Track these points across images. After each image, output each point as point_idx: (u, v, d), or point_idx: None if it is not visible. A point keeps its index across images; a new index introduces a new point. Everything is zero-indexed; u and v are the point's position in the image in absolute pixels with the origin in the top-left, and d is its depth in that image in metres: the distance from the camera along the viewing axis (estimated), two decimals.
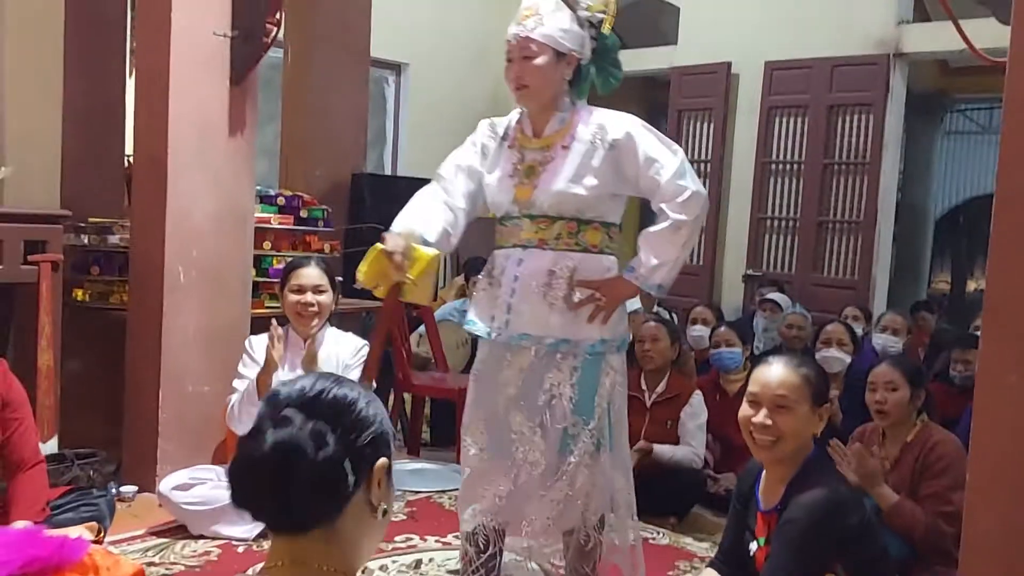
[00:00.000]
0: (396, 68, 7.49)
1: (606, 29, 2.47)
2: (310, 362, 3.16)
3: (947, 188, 11.13)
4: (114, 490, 3.27)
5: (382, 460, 1.20)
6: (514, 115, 2.56)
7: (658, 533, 3.45)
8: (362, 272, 2.36)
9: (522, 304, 2.47)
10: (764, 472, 2.14)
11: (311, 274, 3.25)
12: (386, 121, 7.69)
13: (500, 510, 2.52)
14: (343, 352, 3.34)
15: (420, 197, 2.55)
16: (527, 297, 2.46)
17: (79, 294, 3.87)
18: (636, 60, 7.72)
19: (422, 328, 5.19)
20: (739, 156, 7.10)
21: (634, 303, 5.23)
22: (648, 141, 2.41)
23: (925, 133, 8.78)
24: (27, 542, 2.03)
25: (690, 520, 3.70)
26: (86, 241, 3.90)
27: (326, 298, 3.27)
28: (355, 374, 3.29)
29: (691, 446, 3.79)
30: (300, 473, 1.12)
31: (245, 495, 1.16)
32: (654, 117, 8.88)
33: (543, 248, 2.45)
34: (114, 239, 3.87)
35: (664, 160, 2.39)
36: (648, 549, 3.28)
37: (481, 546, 2.53)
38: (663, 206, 2.40)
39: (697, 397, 3.88)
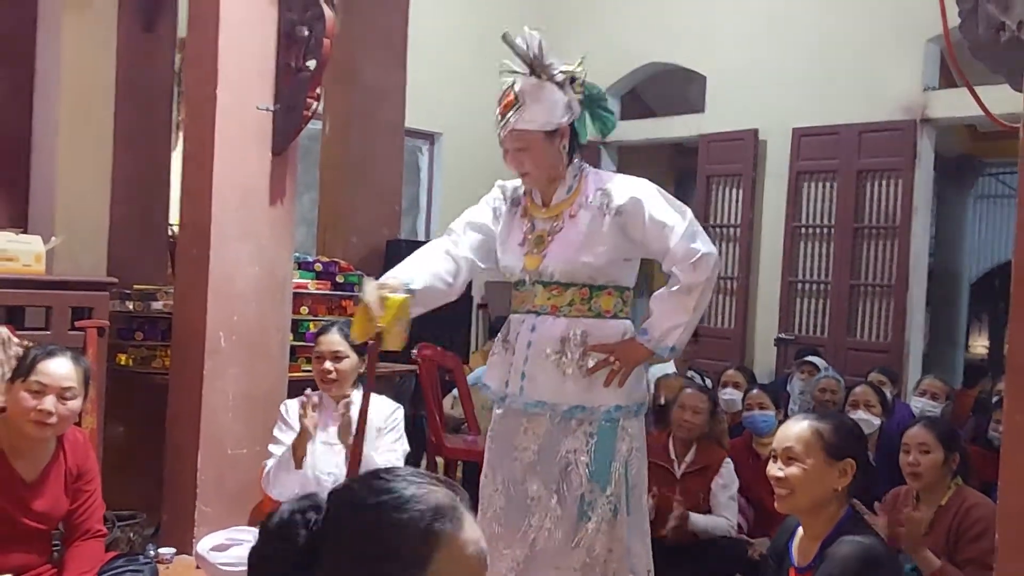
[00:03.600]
0: (430, 138, 7.68)
1: (584, 79, 2.50)
2: (346, 433, 3.19)
3: (981, 252, 11.06)
4: (152, 552, 3.32)
5: None
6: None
7: None
8: (353, 329, 2.43)
9: (536, 370, 2.50)
10: (799, 529, 2.15)
11: (331, 340, 3.29)
12: (420, 189, 7.86)
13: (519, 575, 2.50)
14: (376, 416, 3.38)
15: (423, 248, 2.61)
16: (541, 364, 2.49)
17: (123, 359, 3.98)
18: (664, 128, 7.88)
19: (456, 391, 5.23)
20: (768, 220, 7.14)
21: (668, 366, 5.24)
22: (655, 204, 2.43)
23: (957, 197, 8.79)
24: None
25: None
26: (131, 307, 4.02)
27: (346, 364, 3.26)
28: (389, 438, 3.34)
29: (725, 518, 3.73)
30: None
31: None
32: (683, 183, 9.02)
33: (555, 315, 2.48)
34: (157, 305, 3.98)
35: (672, 222, 2.41)
36: None
37: None
38: (674, 269, 2.43)
39: (727, 467, 3.81)
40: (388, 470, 1.13)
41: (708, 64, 7.35)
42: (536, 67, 2.44)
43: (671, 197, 2.50)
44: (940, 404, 4.85)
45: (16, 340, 3.06)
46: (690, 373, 5.83)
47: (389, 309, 2.33)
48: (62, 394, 2.32)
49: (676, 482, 3.77)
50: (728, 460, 3.84)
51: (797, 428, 2.12)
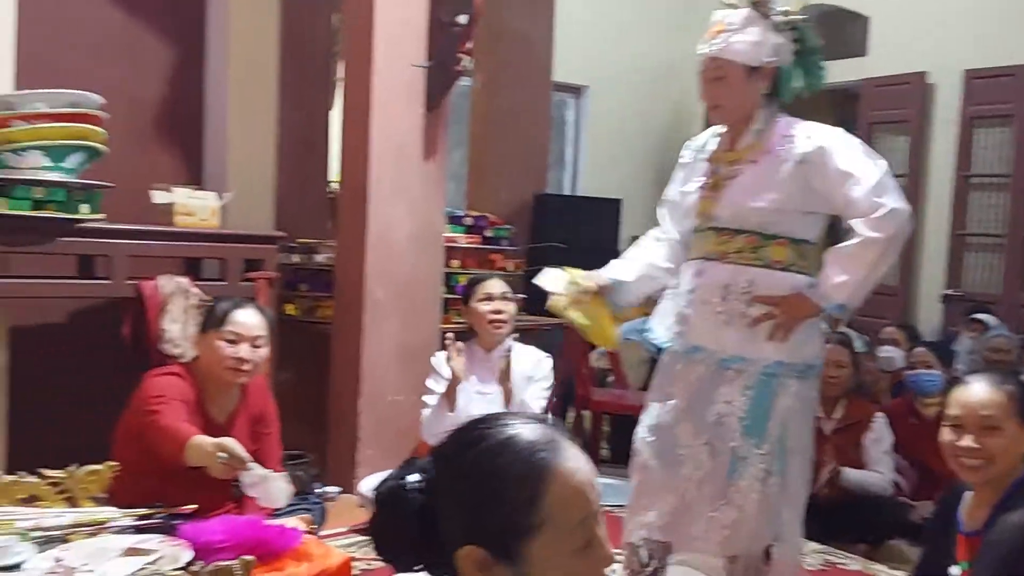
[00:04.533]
0: (577, 91, 7.63)
1: (806, 28, 2.40)
2: (505, 377, 3.27)
3: None
4: (319, 491, 3.52)
5: (475, 549, 1.04)
6: (722, 127, 2.52)
7: (848, 559, 3.34)
8: (596, 341, 2.63)
9: (696, 315, 2.45)
10: (968, 494, 2.05)
11: (498, 284, 3.39)
12: (565, 143, 7.85)
13: (665, 526, 2.49)
14: (525, 365, 3.45)
15: (638, 242, 2.69)
16: (702, 310, 2.44)
17: (290, 309, 4.20)
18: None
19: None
20: (936, 170, 6.74)
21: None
22: (845, 155, 2.31)
23: None
24: (251, 528, 2.25)
25: (884, 550, 3.55)
26: (296, 260, 4.23)
27: (512, 307, 3.39)
28: (538, 386, 3.40)
29: (880, 473, 3.64)
30: (402, 528, 1.09)
31: (371, 526, 1.15)
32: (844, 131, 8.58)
33: (723, 261, 2.41)
34: (320, 258, 4.17)
35: (861, 174, 2.28)
36: (837, 574, 3.20)
37: (644, 559, 2.52)
38: (855, 222, 2.30)
39: (879, 421, 3.69)
40: (479, 419, 1.14)
41: (872, 3, 6.95)
42: (758, 2, 2.37)
43: (868, 149, 2.35)
44: None
45: (195, 290, 3.29)
46: (843, 330, 5.62)
47: (592, 305, 2.55)
48: (254, 342, 2.48)
49: (826, 440, 3.69)
50: (880, 415, 3.72)
51: (987, 393, 1.98)
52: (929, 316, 6.72)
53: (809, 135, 2.36)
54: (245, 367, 2.46)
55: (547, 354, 3.54)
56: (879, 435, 3.67)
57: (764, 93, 2.40)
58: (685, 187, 2.56)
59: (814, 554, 3.35)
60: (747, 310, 2.37)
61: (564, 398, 4.77)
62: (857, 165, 2.30)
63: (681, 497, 2.46)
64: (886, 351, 4.70)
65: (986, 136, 6.50)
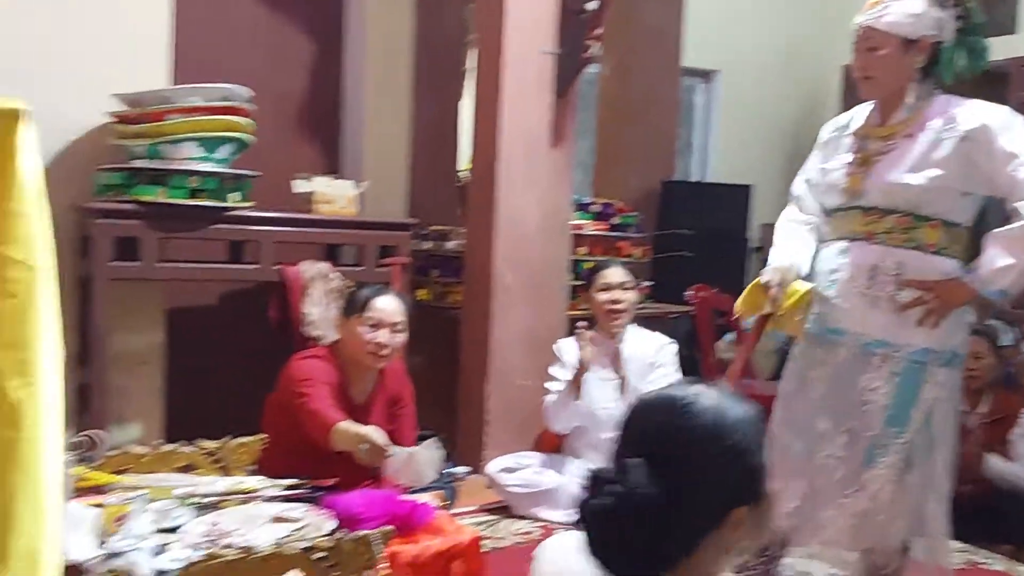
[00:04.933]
0: (706, 75, 7.51)
1: (972, 5, 2.28)
2: (618, 364, 3.29)
3: None
4: (449, 470, 3.63)
5: (741, 509, 1.09)
6: (868, 105, 2.43)
7: (991, 559, 3.21)
8: (739, 303, 2.50)
9: (840, 297, 2.36)
10: None
11: (617, 273, 3.41)
12: (694, 129, 7.73)
13: (793, 513, 2.40)
14: (647, 350, 3.46)
15: (783, 226, 2.56)
16: (846, 290, 2.35)
17: (422, 294, 4.32)
18: None
19: (731, 335, 5.17)
20: None
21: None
22: (1010, 133, 2.18)
23: None
24: (387, 502, 2.36)
25: None
26: (428, 247, 4.35)
27: (631, 295, 3.40)
28: (660, 371, 3.40)
29: None
30: (642, 529, 1.06)
31: (593, 546, 1.10)
32: None
33: (871, 241, 2.32)
34: (451, 245, 4.28)
35: None
36: (978, 574, 3.07)
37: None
38: (1018, 205, 2.17)
39: None
40: (658, 400, 1.16)
41: None
42: None
43: None
44: None
45: (334, 275, 3.44)
46: (990, 322, 5.34)
47: (792, 296, 2.42)
48: (393, 328, 2.58)
49: (969, 433, 3.53)
50: None
51: None
52: None
53: (973, 112, 2.24)
54: (384, 352, 2.56)
55: (671, 339, 3.53)
56: None
57: (920, 67, 2.29)
58: (827, 164, 2.46)
59: (956, 553, 3.22)
60: (896, 294, 2.28)
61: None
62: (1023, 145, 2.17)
63: (812, 484, 2.39)
64: None
65: None
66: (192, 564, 1.87)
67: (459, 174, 4.64)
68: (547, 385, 3.47)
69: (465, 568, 2.35)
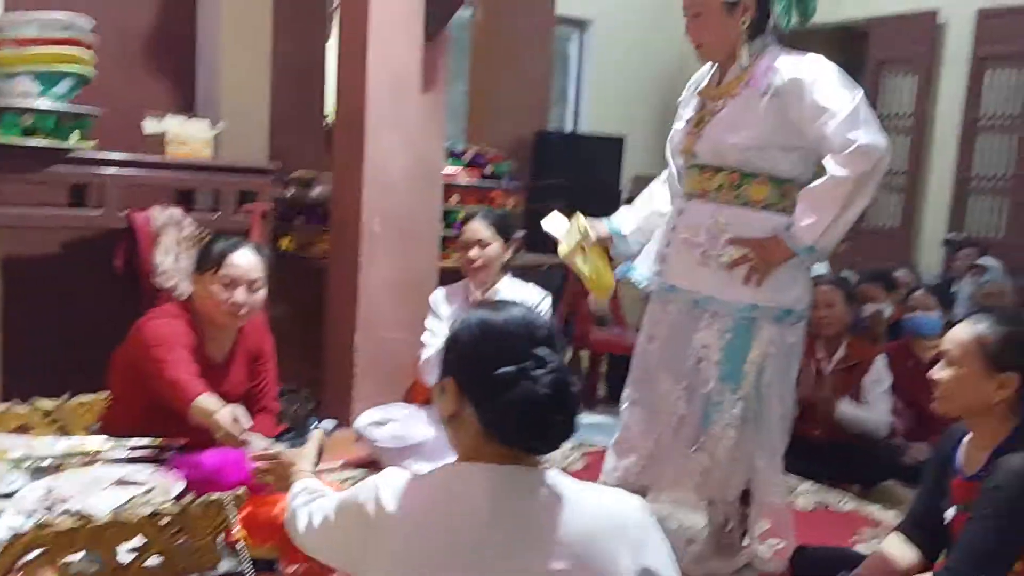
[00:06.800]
0: (580, 25, 7.48)
1: None
2: None
3: None
4: (315, 425, 3.51)
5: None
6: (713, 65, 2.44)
7: (842, 499, 3.36)
8: (562, 249, 2.62)
9: (675, 256, 2.41)
10: (967, 437, 2.03)
11: (476, 228, 3.31)
12: (568, 79, 7.71)
13: (642, 471, 2.48)
14: (525, 302, 3.42)
15: (650, 185, 2.67)
16: (680, 249, 2.39)
17: (284, 243, 4.15)
18: (831, 9, 7.31)
19: None
20: (944, 112, 6.65)
21: (819, 267, 5.02)
22: (819, 86, 2.18)
23: None
24: (243, 461, 2.24)
25: (877, 491, 3.56)
26: (291, 193, 4.17)
27: (490, 251, 3.26)
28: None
29: (876, 412, 3.63)
30: (574, 399, 1.33)
31: (532, 430, 1.31)
32: (850, 71, 8.37)
33: (704, 199, 2.36)
34: (316, 192, 4.11)
35: (835, 108, 2.15)
36: (830, 515, 3.22)
37: None
38: (826, 160, 2.19)
39: (880, 362, 3.65)
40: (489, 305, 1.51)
41: None
42: None
43: (846, 79, 2.23)
44: None
45: (188, 222, 3.24)
46: (845, 274, 5.58)
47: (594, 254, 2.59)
48: (251, 285, 2.41)
49: (824, 379, 3.67)
50: (882, 356, 3.69)
51: (961, 331, 1.97)
52: (930, 260, 6.69)
53: (788, 66, 2.24)
54: (242, 311, 2.40)
55: (546, 292, 3.50)
56: (878, 376, 3.65)
57: (748, 27, 2.29)
58: (678, 124, 2.50)
59: (807, 495, 3.37)
60: (723, 251, 2.31)
61: (563, 336, 4.75)
62: (832, 98, 2.17)
63: (656, 442, 2.46)
64: (868, 310, 4.64)
65: (997, 77, 6.39)
66: (19, 536, 1.71)
67: (326, 117, 4.45)
68: (423, 339, 3.38)
69: None
